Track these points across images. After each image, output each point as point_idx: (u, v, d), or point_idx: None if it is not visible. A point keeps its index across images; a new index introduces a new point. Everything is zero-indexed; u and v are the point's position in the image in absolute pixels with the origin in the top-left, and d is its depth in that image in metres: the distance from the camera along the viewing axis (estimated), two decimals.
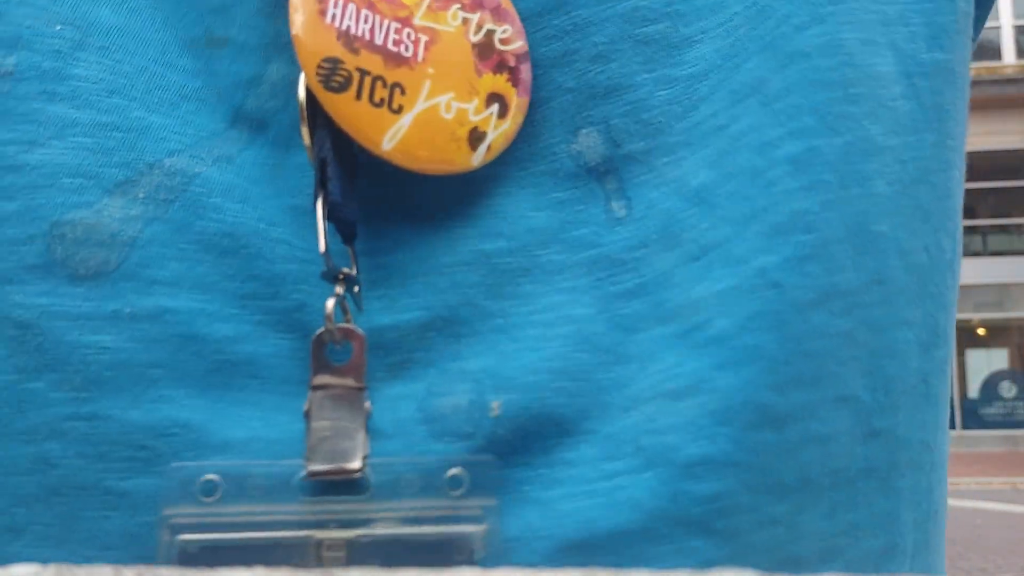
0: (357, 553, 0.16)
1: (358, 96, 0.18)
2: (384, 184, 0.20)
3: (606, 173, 0.20)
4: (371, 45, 0.18)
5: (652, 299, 0.19)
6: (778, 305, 0.18)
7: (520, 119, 0.20)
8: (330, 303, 0.18)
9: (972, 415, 13.19)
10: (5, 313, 0.17)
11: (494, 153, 0.19)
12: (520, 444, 0.18)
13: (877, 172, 0.20)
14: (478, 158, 0.19)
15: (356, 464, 0.16)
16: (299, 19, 0.18)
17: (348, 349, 0.18)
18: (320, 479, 0.16)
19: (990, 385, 13.16)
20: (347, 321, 0.18)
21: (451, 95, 0.19)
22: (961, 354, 13.36)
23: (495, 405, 0.17)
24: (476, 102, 0.19)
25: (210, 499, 0.16)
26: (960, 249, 0.23)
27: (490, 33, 0.19)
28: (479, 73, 0.19)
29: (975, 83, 13.36)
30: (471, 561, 0.16)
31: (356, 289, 0.18)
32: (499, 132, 0.19)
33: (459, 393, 0.18)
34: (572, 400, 0.18)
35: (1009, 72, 12.92)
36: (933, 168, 0.21)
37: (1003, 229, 13.84)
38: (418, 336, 0.19)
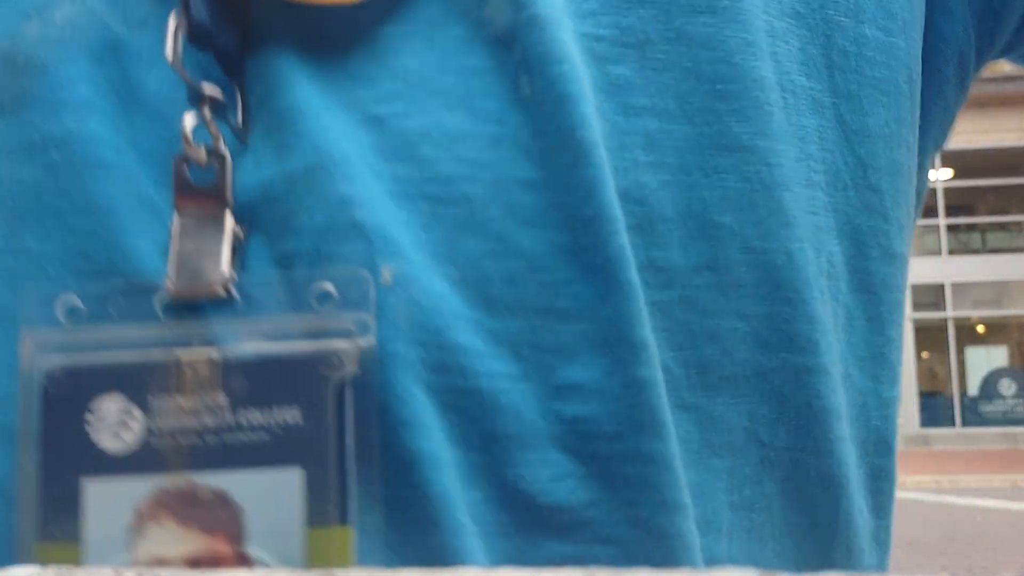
0: (223, 372, 0.15)
1: None
2: (290, 39, 0.19)
3: (512, 42, 0.19)
4: None
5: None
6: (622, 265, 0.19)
7: None
8: (188, 121, 0.17)
9: (972, 413, 13.27)
10: None
11: None
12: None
13: (732, 167, 0.20)
14: None
15: (218, 281, 0.16)
16: None
17: (212, 171, 0.17)
18: (183, 298, 0.16)
19: (990, 383, 13.24)
20: (217, 146, 0.17)
21: None
22: (961, 352, 13.46)
23: (385, 271, 0.17)
24: None
25: (72, 322, 0.16)
26: (886, 272, 0.24)
27: None
28: None
29: (974, 80, 13.36)
30: (342, 377, 0.15)
31: (239, 121, 0.18)
32: None
33: (348, 248, 0.17)
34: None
35: (1007, 70, 12.97)
36: (806, 179, 0.22)
37: (1002, 227, 13.92)
38: (306, 184, 0.18)
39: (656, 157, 0.20)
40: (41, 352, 0.15)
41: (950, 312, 13.27)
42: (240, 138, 0.18)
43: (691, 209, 0.20)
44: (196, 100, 0.17)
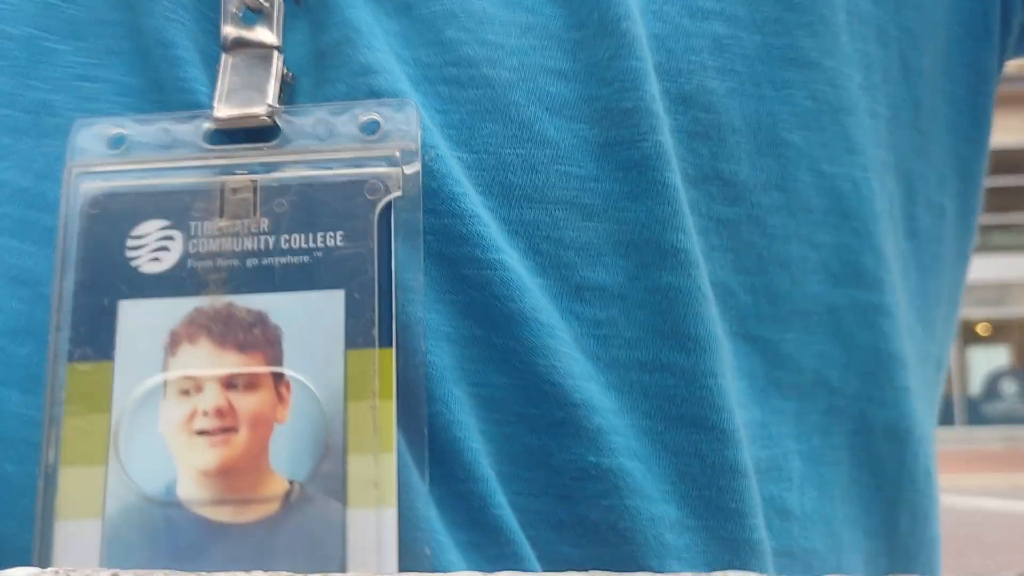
0: (266, 196, 0.15)
1: None
2: None
3: None
4: None
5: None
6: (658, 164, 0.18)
7: None
8: None
9: (973, 413, 13.27)
10: None
11: None
12: None
13: (801, 84, 0.20)
14: None
15: (262, 109, 0.16)
16: None
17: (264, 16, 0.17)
18: (229, 126, 0.16)
19: (991, 383, 13.30)
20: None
21: None
22: (962, 352, 13.44)
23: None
24: None
25: (117, 151, 0.16)
26: (947, 220, 0.23)
27: None
28: None
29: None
30: (387, 202, 0.15)
31: None
32: None
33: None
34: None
35: (1010, 70, 12.87)
36: (871, 110, 0.21)
37: (1004, 227, 13.89)
38: (333, 57, 0.18)
39: (724, 63, 0.19)
40: (85, 177, 0.15)
41: None
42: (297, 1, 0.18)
43: (760, 122, 0.19)
44: None
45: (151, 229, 0.15)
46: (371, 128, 0.15)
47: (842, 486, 0.21)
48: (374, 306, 0.13)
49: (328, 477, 0.13)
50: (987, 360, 13.46)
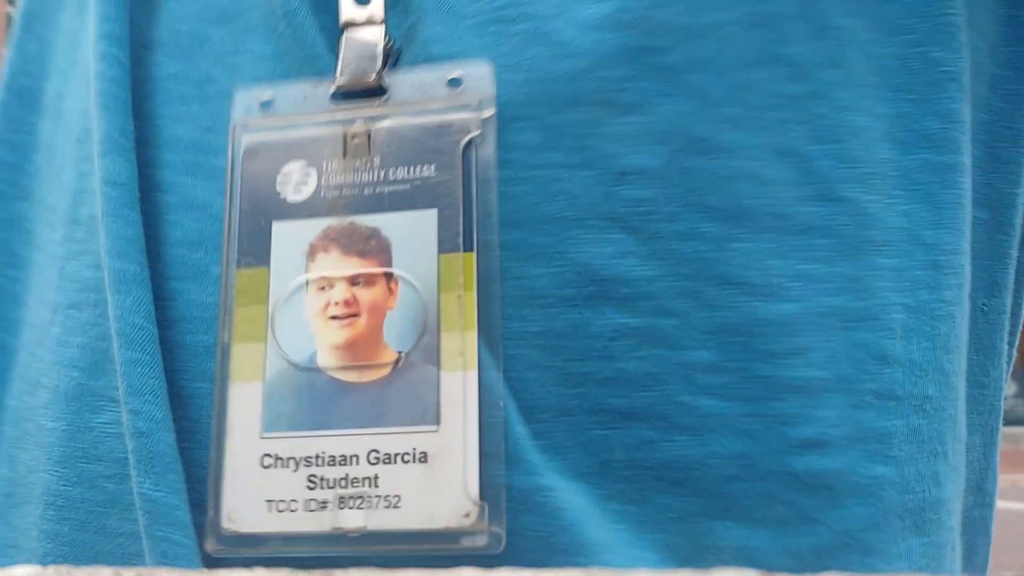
0: (376, 140, 0.20)
1: None
2: None
3: None
4: None
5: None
6: (721, 53, 0.20)
7: None
8: None
9: None
10: None
11: None
12: None
13: None
14: None
15: (372, 77, 0.20)
16: None
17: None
18: (347, 88, 0.21)
19: None
20: None
21: None
22: None
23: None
24: None
25: (266, 111, 0.21)
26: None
27: None
28: None
29: None
30: (468, 140, 0.19)
31: None
32: None
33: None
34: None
35: None
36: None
37: None
38: (409, 35, 0.21)
39: None
40: (243, 131, 0.20)
41: None
42: None
43: (813, 8, 0.20)
44: None
45: (293, 168, 0.19)
46: (456, 83, 0.20)
47: (957, 339, 0.22)
48: (459, 220, 0.18)
49: (426, 348, 0.18)
50: None
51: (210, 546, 0.18)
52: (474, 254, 0.18)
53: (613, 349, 0.19)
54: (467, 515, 0.17)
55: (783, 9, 0.21)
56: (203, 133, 0.21)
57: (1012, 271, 0.26)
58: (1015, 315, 0.27)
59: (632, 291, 0.19)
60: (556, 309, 0.19)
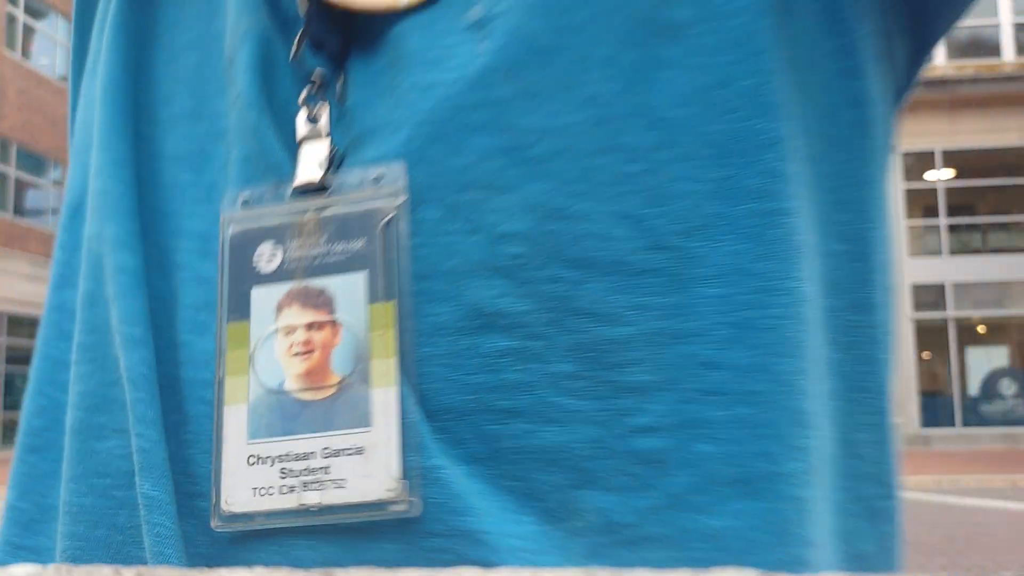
0: (323, 224, 0.27)
1: None
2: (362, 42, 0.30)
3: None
4: None
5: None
6: (573, 146, 0.26)
7: None
8: (303, 93, 0.29)
9: (972, 413, 13.09)
10: None
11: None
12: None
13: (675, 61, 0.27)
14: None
15: (319, 179, 0.28)
16: None
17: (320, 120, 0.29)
18: (303, 188, 0.28)
19: (990, 383, 13.10)
20: (319, 108, 0.29)
21: None
22: (961, 352, 13.34)
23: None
24: None
25: (246, 207, 0.29)
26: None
27: None
28: None
29: (975, 81, 13.31)
30: (387, 220, 0.26)
31: (338, 94, 0.29)
32: None
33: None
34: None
35: (1008, 70, 12.92)
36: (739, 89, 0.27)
37: (1003, 227, 13.83)
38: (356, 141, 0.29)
39: (604, 53, 0.27)
40: (230, 223, 0.27)
41: (951, 312, 13.13)
42: (340, 102, 0.29)
43: (643, 108, 0.27)
44: (309, 80, 0.29)
45: (265, 248, 0.27)
46: (378, 181, 0.27)
47: (792, 345, 0.27)
48: (382, 279, 0.25)
49: (361, 373, 0.25)
50: (986, 360, 13.22)
51: (214, 523, 0.25)
52: (395, 302, 0.25)
53: (498, 365, 0.26)
54: (391, 490, 0.24)
55: (620, 111, 0.26)
56: (209, 226, 0.29)
57: (880, 291, 0.31)
58: (894, 331, 0.32)
59: (510, 322, 0.26)
60: (455, 337, 0.26)
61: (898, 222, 13.23)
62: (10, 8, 17.15)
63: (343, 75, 0.29)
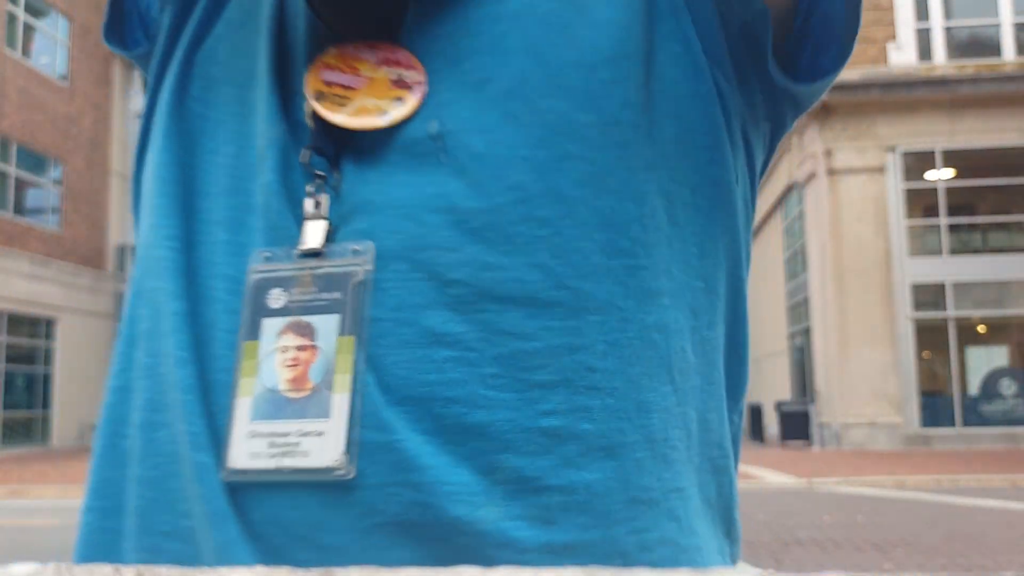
0: (315, 279, 0.39)
1: (329, 102, 0.41)
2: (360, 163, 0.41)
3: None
4: (340, 85, 0.41)
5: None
6: (500, 219, 0.39)
7: (413, 109, 0.40)
8: (309, 187, 0.41)
9: (972, 412, 13.09)
10: None
11: (396, 120, 0.40)
12: None
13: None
14: (385, 120, 0.40)
15: (317, 247, 0.40)
16: (311, 80, 0.42)
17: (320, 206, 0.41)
18: (304, 252, 0.40)
19: (990, 383, 13.11)
20: (321, 196, 0.41)
21: (374, 99, 0.41)
22: (961, 352, 13.29)
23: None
24: (387, 100, 0.41)
25: (265, 262, 0.42)
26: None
27: (400, 74, 0.41)
28: (391, 88, 0.41)
29: (975, 80, 13.31)
30: (359, 279, 0.38)
31: (335, 183, 0.41)
32: (399, 112, 0.40)
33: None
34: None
35: (1008, 69, 12.91)
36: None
37: (1003, 227, 13.81)
38: (348, 218, 0.40)
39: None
40: (254, 273, 0.39)
41: (951, 312, 13.12)
42: (336, 191, 0.40)
43: (555, 187, 0.39)
44: (313, 179, 0.40)
45: (275, 292, 0.39)
46: (357, 252, 0.38)
47: (647, 359, 0.39)
48: (348, 320, 0.38)
49: (327, 382, 0.37)
50: (986, 360, 13.25)
51: (224, 475, 0.38)
52: (354, 337, 0.38)
53: (444, 367, 0.37)
54: (337, 461, 0.37)
55: (535, 192, 0.39)
56: (239, 273, 0.41)
57: (726, 314, 0.43)
58: (741, 342, 0.44)
59: (453, 339, 0.38)
60: (414, 349, 0.38)
61: (898, 222, 13.25)
62: (10, 7, 17.13)
63: (338, 172, 0.41)
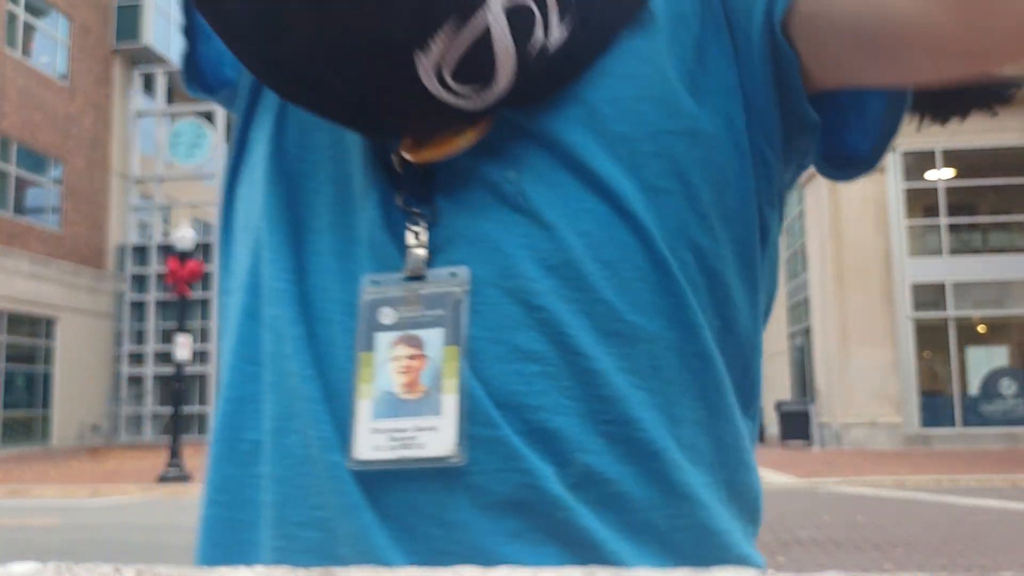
0: (420, 298, 0.46)
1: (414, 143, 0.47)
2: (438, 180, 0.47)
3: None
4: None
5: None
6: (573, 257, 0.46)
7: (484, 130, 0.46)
8: (410, 228, 0.46)
9: (972, 412, 13.18)
10: None
11: (472, 141, 0.46)
12: None
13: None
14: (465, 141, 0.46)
15: (419, 273, 0.47)
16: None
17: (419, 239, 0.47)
18: (410, 275, 0.47)
19: (990, 383, 13.21)
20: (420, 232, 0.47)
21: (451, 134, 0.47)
22: (961, 351, 13.37)
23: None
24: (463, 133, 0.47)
25: (376, 285, 0.47)
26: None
27: None
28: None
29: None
30: (458, 298, 0.45)
31: (431, 216, 0.47)
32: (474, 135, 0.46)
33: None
34: None
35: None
36: None
37: (1003, 227, 13.87)
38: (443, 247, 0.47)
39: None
40: (365, 295, 0.45)
41: (951, 312, 13.21)
42: (433, 224, 0.46)
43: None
44: (411, 216, 0.46)
45: (385, 310, 0.44)
46: (453, 275, 0.44)
47: (659, 367, 0.46)
48: (451, 334, 0.43)
49: (437, 385, 0.43)
50: (986, 360, 13.35)
51: (350, 465, 0.43)
52: (457, 347, 0.44)
53: (531, 380, 0.44)
54: (452, 450, 0.43)
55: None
56: (351, 296, 0.47)
57: (739, 350, 0.49)
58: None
59: (538, 356, 0.44)
60: (505, 364, 0.44)
61: (898, 221, 13.31)
62: (11, 6, 17.12)
63: (433, 207, 0.47)
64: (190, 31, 0.55)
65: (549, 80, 0.45)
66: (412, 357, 0.44)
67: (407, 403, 0.43)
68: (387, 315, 0.45)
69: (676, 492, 0.44)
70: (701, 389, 0.47)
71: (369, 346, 0.44)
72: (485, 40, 0.41)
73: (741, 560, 0.45)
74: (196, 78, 0.57)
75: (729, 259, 0.48)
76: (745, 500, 0.49)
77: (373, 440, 0.43)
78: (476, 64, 0.42)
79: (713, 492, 0.46)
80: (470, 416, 0.43)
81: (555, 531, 0.42)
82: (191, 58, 0.56)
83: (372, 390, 0.44)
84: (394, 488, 0.43)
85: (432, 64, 0.41)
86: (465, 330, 0.44)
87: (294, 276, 0.47)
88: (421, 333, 0.44)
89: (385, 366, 0.44)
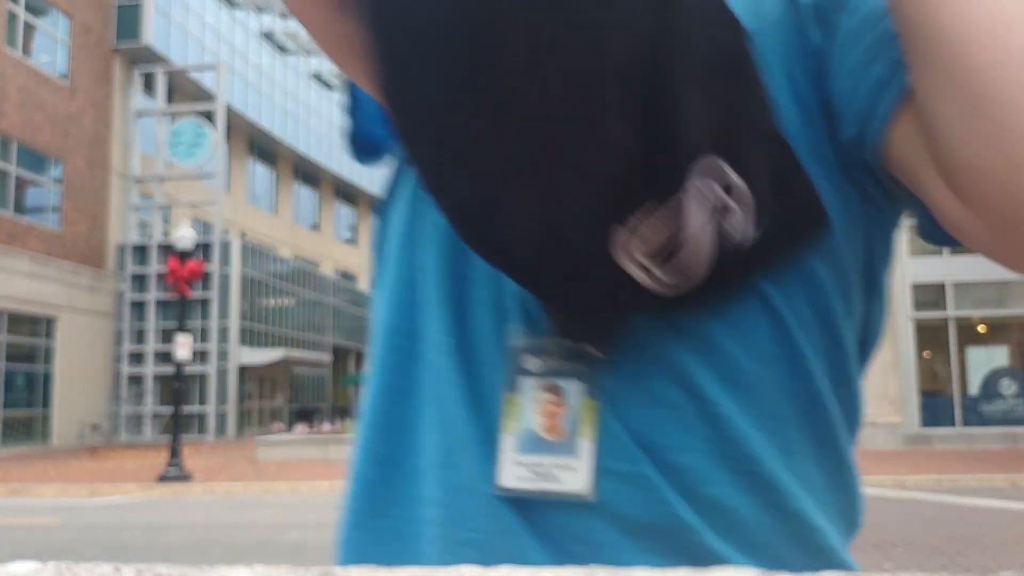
0: (562, 355, 0.51)
1: None
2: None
3: None
4: None
5: None
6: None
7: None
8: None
9: (972, 412, 13.19)
10: None
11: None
12: None
13: None
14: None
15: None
16: None
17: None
18: (559, 335, 0.51)
19: (990, 382, 13.20)
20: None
21: None
22: (961, 351, 13.38)
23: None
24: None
25: (516, 333, 0.51)
26: None
27: None
28: None
29: None
30: (587, 361, 0.50)
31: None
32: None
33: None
34: None
35: None
36: None
37: None
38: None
39: None
40: (514, 342, 0.50)
41: (951, 312, 13.23)
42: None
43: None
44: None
45: (531, 358, 0.50)
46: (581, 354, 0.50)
47: (777, 412, 0.49)
48: (589, 386, 0.48)
49: (575, 430, 0.48)
50: (986, 360, 13.32)
51: (494, 491, 0.48)
52: (595, 401, 0.48)
53: (664, 423, 0.49)
54: (587, 489, 0.48)
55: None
56: (503, 343, 0.51)
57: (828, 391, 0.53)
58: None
59: (671, 404, 0.49)
60: (642, 409, 0.49)
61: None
62: (11, 5, 17.10)
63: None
64: (352, 109, 0.61)
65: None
66: (553, 403, 0.48)
67: (548, 443, 0.48)
68: (532, 363, 0.49)
69: (791, 516, 0.50)
70: (812, 426, 0.52)
71: (515, 389, 0.49)
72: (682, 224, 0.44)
73: (844, 567, 0.52)
74: (364, 148, 0.62)
75: (839, 300, 0.52)
76: (848, 516, 0.55)
77: (516, 471, 0.48)
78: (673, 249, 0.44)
79: (822, 513, 0.52)
80: (612, 452, 0.48)
81: (687, 551, 0.47)
82: (355, 135, 0.62)
83: (516, 427, 0.49)
84: (549, 513, 0.49)
85: (627, 242, 0.44)
86: (601, 383, 0.49)
87: (457, 329, 0.52)
88: (562, 382, 0.49)
89: (528, 407, 0.49)
